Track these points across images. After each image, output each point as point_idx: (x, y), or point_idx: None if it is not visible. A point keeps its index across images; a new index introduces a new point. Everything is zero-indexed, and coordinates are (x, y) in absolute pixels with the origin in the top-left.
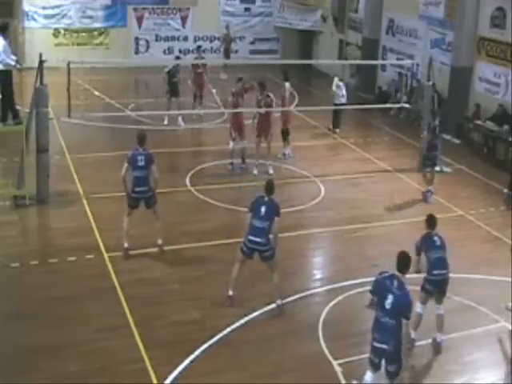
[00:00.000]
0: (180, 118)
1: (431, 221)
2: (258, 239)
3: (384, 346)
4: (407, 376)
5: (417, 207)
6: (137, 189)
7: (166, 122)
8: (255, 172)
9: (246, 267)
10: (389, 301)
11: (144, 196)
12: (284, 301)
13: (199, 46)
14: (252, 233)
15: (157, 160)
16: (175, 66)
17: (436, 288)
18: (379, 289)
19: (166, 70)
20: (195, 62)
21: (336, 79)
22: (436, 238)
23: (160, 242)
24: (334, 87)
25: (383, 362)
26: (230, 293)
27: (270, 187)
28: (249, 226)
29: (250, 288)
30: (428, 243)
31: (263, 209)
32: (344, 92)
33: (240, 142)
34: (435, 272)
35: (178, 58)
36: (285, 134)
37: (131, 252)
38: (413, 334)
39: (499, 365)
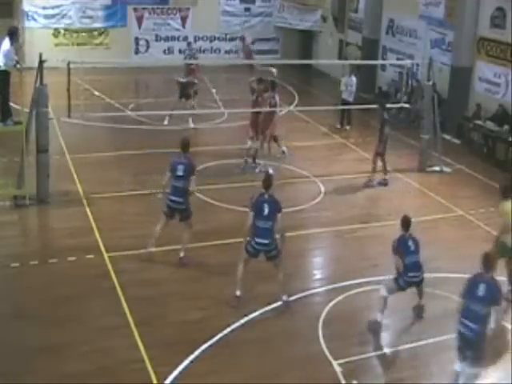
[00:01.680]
0: (190, 119)
1: (405, 223)
2: (265, 241)
3: (471, 334)
4: (407, 376)
5: (417, 207)
6: (172, 197)
7: (166, 122)
8: (257, 170)
9: (246, 269)
10: (481, 288)
11: (178, 207)
12: (290, 298)
13: (189, 43)
14: (258, 235)
15: (157, 160)
16: (188, 81)
17: (410, 287)
18: (470, 283)
19: (180, 80)
20: (189, 61)
21: (344, 78)
22: (410, 243)
23: (182, 254)
24: (342, 87)
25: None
26: (238, 293)
27: (269, 182)
28: (253, 227)
29: (250, 288)
30: (403, 248)
31: (266, 208)
32: (354, 88)
33: (257, 141)
34: (410, 274)
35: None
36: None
37: (131, 252)
38: (379, 317)
39: (499, 365)
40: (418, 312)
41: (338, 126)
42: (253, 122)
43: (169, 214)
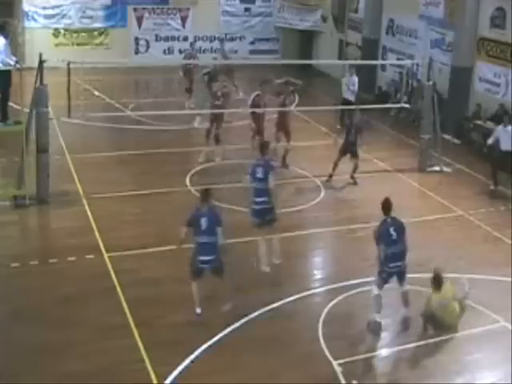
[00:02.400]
0: (197, 118)
1: (386, 205)
2: (210, 257)
3: None
4: (407, 376)
5: (417, 207)
6: (256, 199)
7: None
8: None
9: (246, 269)
10: None
11: (265, 207)
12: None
13: (192, 43)
14: (202, 252)
15: (157, 160)
16: (213, 70)
17: (393, 278)
18: None
19: (205, 71)
20: (188, 62)
21: (344, 78)
22: (392, 231)
23: (276, 261)
24: (344, 86)
25: None
26: (198, 311)
27: (206, 194)
28: (195, 244)
29: (250, 289)
30: (384, 237)
31: (204, 222)
32: (356, 88)
33: (286, 143)
34: (391, 265)
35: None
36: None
37: (131, 252)
38: (377, 317)
39: (499, 365)
40: (404, 299)
41: (339, 126)
42: (279, 123)
43: (259, 223)
